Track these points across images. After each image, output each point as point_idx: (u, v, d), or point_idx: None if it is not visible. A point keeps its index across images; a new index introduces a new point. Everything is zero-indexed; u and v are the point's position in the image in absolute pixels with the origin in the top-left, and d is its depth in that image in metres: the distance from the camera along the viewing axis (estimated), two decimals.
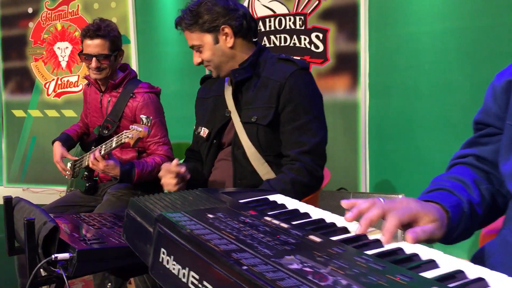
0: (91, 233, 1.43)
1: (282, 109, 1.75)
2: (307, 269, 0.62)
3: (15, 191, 5.60)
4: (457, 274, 0.66)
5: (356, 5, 3.72)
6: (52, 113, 5.59)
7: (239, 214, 0.86)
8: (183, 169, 1.71)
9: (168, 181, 1.72)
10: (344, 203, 0.89)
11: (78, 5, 5.38)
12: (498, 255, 0.93)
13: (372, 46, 3.69)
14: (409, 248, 0.76)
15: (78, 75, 5.44)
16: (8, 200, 1.48)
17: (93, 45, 2.23)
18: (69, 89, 5.50)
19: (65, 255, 1.24)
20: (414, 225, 0.86)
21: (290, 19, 4.05)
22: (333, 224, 0.86)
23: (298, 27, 4.02)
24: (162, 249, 0.78)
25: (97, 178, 2.41)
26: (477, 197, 0.99)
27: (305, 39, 3.99)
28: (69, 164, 2.42)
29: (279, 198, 1.06)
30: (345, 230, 0.84)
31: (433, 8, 3.36)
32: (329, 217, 0.92)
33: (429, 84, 3.45)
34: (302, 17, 3.99)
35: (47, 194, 5.43)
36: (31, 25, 5.60)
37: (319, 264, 0.63)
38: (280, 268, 0.62)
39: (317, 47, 3.94)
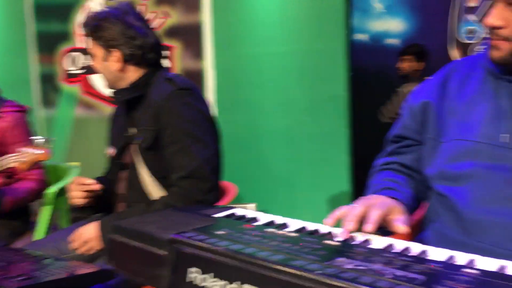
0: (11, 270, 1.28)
1: (162, 132, 1.72)
2: (361, 267, 0.73)
3: None
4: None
5: (198, 25, 3.88)
6: None
7: (242, 229, 0.92)
8: (93, 185, 1.75)
9: (76, 194, 1.73)
10: (329, 221, 1.02)
11: None
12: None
13: (219, 65, 3.88)
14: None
15: None
16: None
17: None
18: None
19: None
20: (389, 217, 1.04)
21: None
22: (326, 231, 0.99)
23: None
24: (190, 270, 0.81)
25: None
26: (410, 194, 1.22)
27: None
28: None
29: (243, 212, 1.13)
30: (333, 234, 0.98)
31: (273, 32, 3.71)
32: (307, 224, 1.04)
33: (272, 101, 3.79)
34: None
35: None
36: None
37: (367, 262, 0.76)
38: (338, 268, 0.73)
39: None
